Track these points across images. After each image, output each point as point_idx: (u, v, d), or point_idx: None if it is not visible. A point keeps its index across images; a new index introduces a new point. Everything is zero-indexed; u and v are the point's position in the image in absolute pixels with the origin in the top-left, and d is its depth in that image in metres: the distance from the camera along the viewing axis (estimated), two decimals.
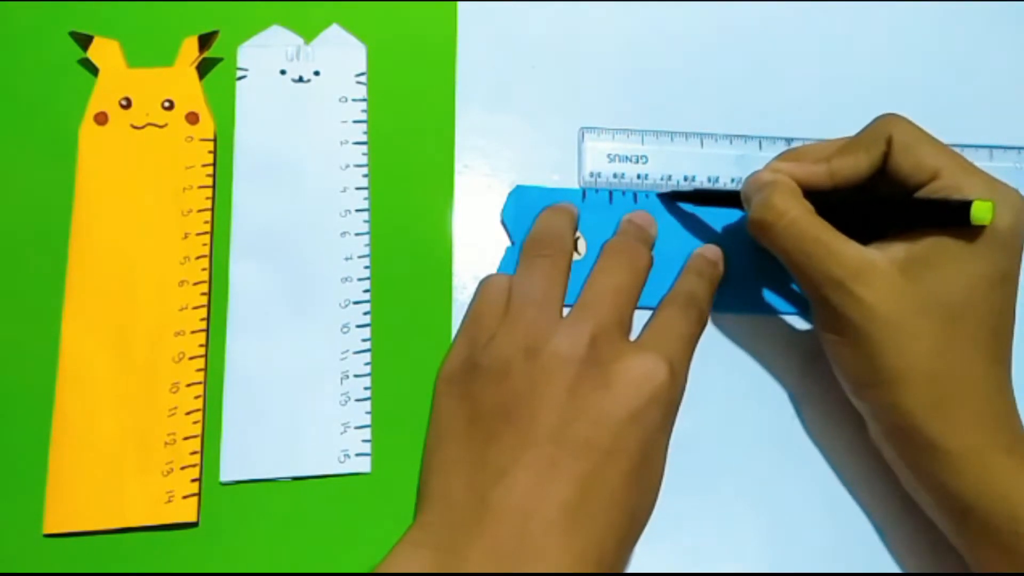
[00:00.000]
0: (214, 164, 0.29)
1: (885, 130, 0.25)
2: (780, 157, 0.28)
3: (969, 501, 0.23)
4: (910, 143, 0.25)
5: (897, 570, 0.27)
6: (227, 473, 0.26)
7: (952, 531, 0.25)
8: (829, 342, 0.25)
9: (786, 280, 0.29)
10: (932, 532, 0.26)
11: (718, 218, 0.30)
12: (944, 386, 0.23)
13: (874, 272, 0.24)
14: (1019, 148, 0.32)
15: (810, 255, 0.24)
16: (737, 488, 0.27)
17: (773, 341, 0.29)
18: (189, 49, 0.30)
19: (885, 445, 0.26)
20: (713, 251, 0.29)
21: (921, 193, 0.25)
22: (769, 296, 0.29)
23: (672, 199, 0.30)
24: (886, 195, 0.25)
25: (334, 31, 0.31)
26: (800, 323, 0.29)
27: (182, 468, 0.26)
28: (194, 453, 0.26)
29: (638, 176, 0.30)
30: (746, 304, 0.29)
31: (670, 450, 0.25)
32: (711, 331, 0.28)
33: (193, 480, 0.26)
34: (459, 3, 0.32)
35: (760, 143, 0.31)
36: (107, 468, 0.26)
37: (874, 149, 0.25)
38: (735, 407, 0.28)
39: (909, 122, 0.25)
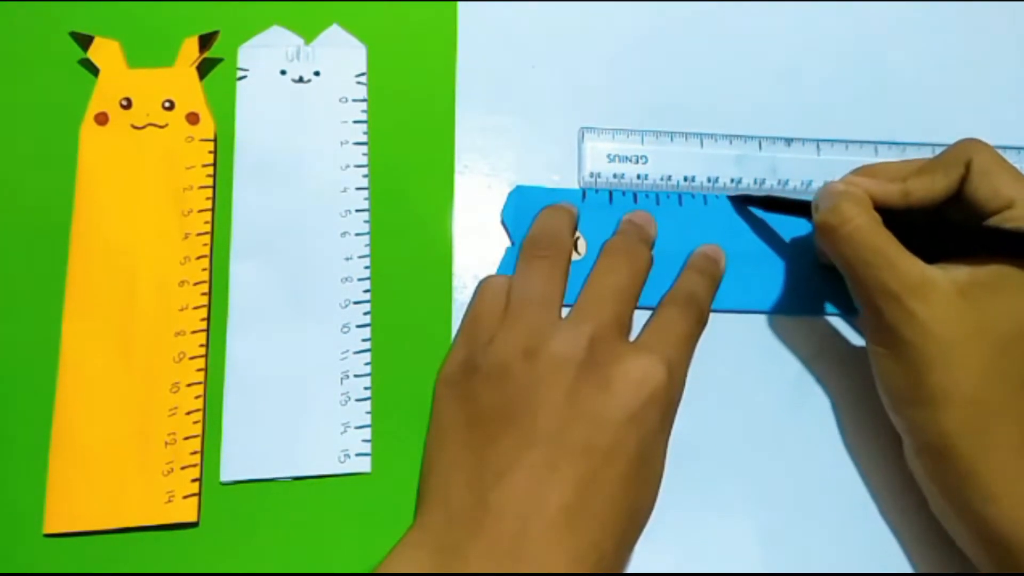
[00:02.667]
0: (214, 164, 0.29)
1: (965, 154, 0.25)
2: (856, 171, 0.27)
3: (1004, 529, 0.23)
4: (989, 169, 0.25)
5: (898, 570, 0.27)
6: (227, 473, 0.26)
7: (986, 561, 0.24)
8: (876, 355, 0.25)
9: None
10: (933, 533, 0.26)
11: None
12: (987, 412, 0.23)
13: (933, 290, 0.23)
14: (1019, 148, 0.32)
15: (870, 264, 0.24)
16: (737, 488, 0.27)
17: (773, 341, 0.29)
18: (189, 49, 0.30)
19: (919, 465, 0.25)
20: (714, 249, 0.29)
21: (993, 221, 0.24)
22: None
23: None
24: (957, 220, 0.25)
25: (334, 31, 0.31)
26: (801, 323, 0.29)
27: (182, 468, 0.26)
28: (194, 453, 0.26)
29: (638, 176, 0.30)
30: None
31: (669, 450, 0.25)
32: (711, 331, 0.28)
33: (193, 480, 0.26)
34: (459, 3, 0.32)
35: (760, 143, 0.31)
36: (107, 468, 0.26)
37: (952, 172, 0.25)
38: (735, 407, 0.28)
39: (990, 148, 0.25)
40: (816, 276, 0.29)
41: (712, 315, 0.28)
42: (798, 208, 0.28)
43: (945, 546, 0.26)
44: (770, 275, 0.29)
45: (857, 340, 0.29)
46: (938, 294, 0.23)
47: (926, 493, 0.25)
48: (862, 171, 0.27)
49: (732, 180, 0.30)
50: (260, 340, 0.27)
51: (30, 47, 0.30)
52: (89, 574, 0.25)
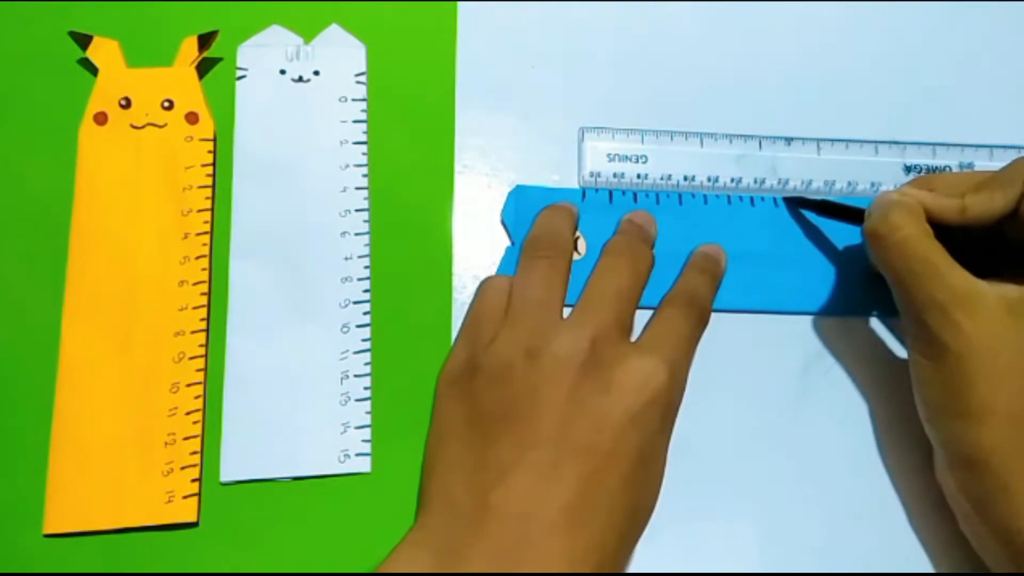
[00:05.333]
0: (214, 164, 0.29)
1: (1023, 171, 0.25)
2: (913, 182, 0.27)
3: None
4: None
5: (898, 569, 0.27)
6: (227, 473, 0.26)
7: None
8: (918, 365, 0.25)
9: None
10: (932, 532, 0.26)
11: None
12: None
13: (979, 302, 0.23)
14: (1019, 148, 0.32)
15: (917, 274, 0.24)
16: (737, 488, 0.27)
17: (773, 341, 0.29)
18: (189, 49, 0.30)
19: (951, 479, 0.25)
20: (715, 248, 0.29)
21: None
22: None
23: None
24: (1012, 237, 0.25)
25: (334, 31, 0.31)
26: (802, 323, 0.29)
27: (182, 468, 0.26)
28: (194, 453, 0.26)
29: (638, 176, 0.30)
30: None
31: (670, 451, 0.25)
32: (711, 331, 0.28)
33: (193, 480, 0.26)
34: (459, 3, 0.32)
35: (760, 143, 0.31)
36: (107, 468, 0.26)
37: (1011, 190, 0.25)
38: (735, 407, 0.28)
39: None
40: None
41: (713, 315, 0.28)
42: (851, 215, 0.27)
43: (944, 546, 0.26)
44: (771, 275, 0.29)
45: (858, 340, 0.29)
46: (985, 308, 0.23)
47: (955, 509, 0.25)
48: (919, 182, 0.27)
49: (732, 180, 0.30)
50: (260, 340, 0.27)
51: (30, 47, 0.30)
52: (89, 574, 0.25)
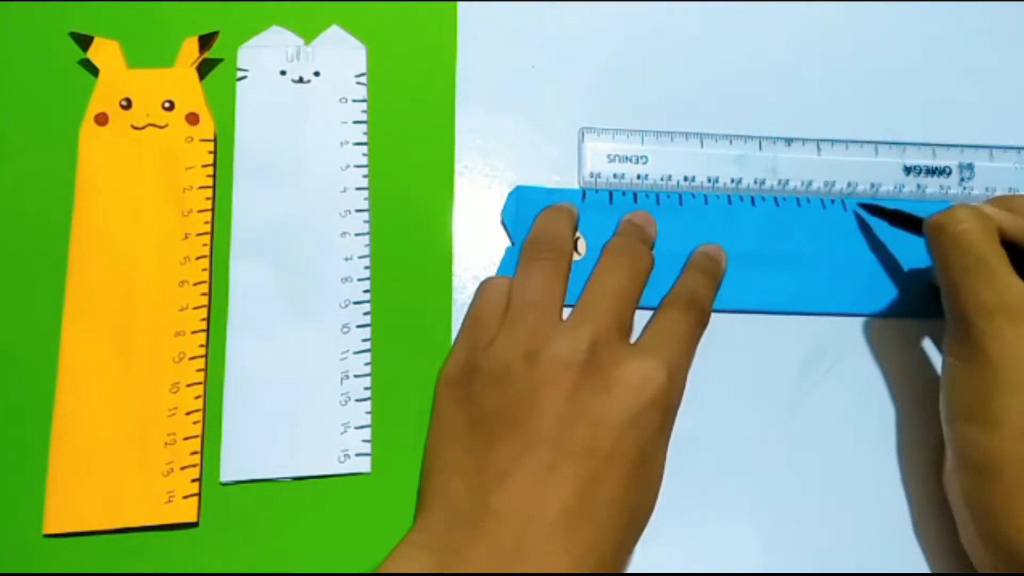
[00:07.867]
0: (214, 164, 0.29)
1: None
2: (991, 201, 0.27)
3: None
4: None
5: (898, 569, 0.27)
6: (227, 473, 0.26)
7: None
8: (950, 365, 0.25)
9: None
10: (934, 533, 0.26)
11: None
12: None
13: None
14: (1019, 148, 0.32)
15: (969, 271, 0.24)
16: (737, 488, 0.27)
17: (773, 341, 0.29)
18: (189, 50, 0.30)
19: (957, 484, 0.24)
20: (715, 249, 0.29)
21: None
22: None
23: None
24: None
25: (334, 31, 0.31)
26: (800, 323, 0.29)
27: (182, 468, 0.26)
28: (194, 453, 0.26)
29: (638, 176, 0.30)
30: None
31: (670, 451, 0.25)
32: (711, 331, 0.28)
33: (193, 480, 0.26)
34: (459, 3, 0.32)
35: (760, 143, 0.31)
36: (107, 468, 0.26)
37: None
38: (735, 408, 0.28)
39: None
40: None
41: (713, 315, 0.28)
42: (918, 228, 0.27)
43: (945, 547, 0.26)
44: (772, 275, 0.29)
45: (859, 340, 0.29)
46: None
47: (957, 514, 0.25)
48: (997, 202, 0.27)
49: (732, 180, 0.30)
50: (260, 340, 0.27)
51: (30, 47, 0.30)
52: (89, 574, 0.25)
